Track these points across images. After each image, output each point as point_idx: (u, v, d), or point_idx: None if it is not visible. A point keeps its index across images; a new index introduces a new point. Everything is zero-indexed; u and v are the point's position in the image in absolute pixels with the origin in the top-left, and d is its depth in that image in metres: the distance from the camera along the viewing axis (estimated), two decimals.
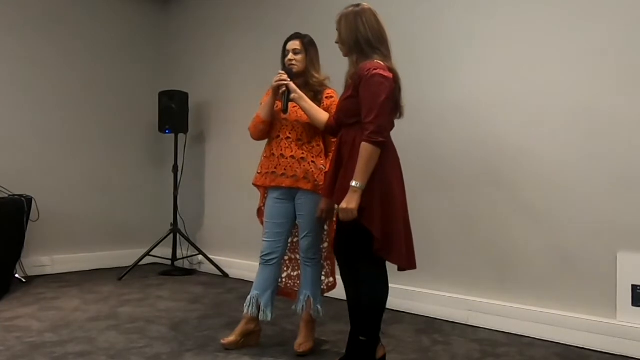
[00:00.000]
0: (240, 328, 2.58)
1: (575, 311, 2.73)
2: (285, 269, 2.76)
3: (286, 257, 2.74)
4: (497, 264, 3.03)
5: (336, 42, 2.28)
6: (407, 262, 2.17)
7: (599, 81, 2.71)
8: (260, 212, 2.72)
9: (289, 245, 2.71)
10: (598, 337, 2.61)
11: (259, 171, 2.65)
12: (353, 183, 2.05)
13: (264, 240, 2.60)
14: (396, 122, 2.26)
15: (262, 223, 2.67)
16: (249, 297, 2.59)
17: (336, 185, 2.21)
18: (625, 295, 2.58)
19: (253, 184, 2.69)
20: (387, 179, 2.13)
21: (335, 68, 2.54)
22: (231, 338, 2.56)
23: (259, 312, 2.56)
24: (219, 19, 4.90)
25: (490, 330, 2.95)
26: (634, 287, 2.56)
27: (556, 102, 2.84)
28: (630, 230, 2.59)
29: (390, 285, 2.22)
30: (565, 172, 2.80)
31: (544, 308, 2.83)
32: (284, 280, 2.76)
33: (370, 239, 2.08)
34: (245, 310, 2.58)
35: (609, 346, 2.58)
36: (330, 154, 2.49)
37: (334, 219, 2.40)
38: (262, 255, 2.59)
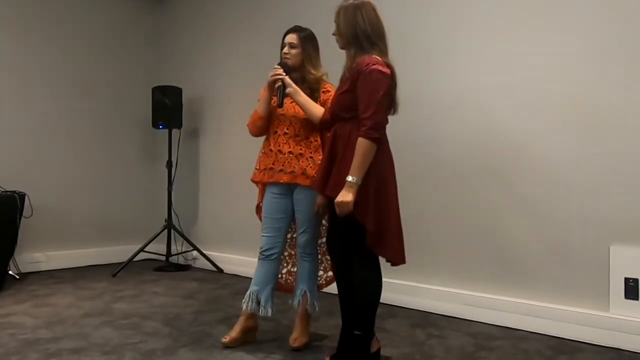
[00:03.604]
0: (240, 325, 2.55)
1: (569, 304, 2.75)
2: (285, 264, 2.74)
3: (286, 253, 2.73)
4: (492, 258, 3.04)
5: (333, 34, 2.26)
6: (400, 257, 2.18)
7: (593, 77, 2.72)
8: (259, 209, 2.69)
9: (288, 240, 2.70)
10: (591, 330, 2.64)
11: (257, 167, 2.63)
12: (349, 178, 2.04)
13: (263, 236, 2.58)
14: (392, 117, 2.25)
15: (260, 219, 2.65)
16: (247, 292, 2.56)
17: (330, 179, 2.19)
18: (618, 288, 2.61)
19: (251, 180, 2.67)
20: (381, 175, 2.13)
21: (330, 62, 2.53)
22: (232, 335, 2.53)
23: (258, 307, 2.53)
24: (212, 13, 4.87)
25: (484, 323, 2.97)
26: (626, 279, 2.58)
27: (551, 97, 2.85)
28: (623, 224, 2.60)
29: (385, 279, 2.23)
30: (559, 167, 2.81)
31: (537, 301, 2.85)
32: (284, 276, 2.75)
33: (363, 233, 2.08)
34: (244, 307, 2.55)
35: (602, 339, 2.60)
36: None
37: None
38: (262, 251, 2.57)
